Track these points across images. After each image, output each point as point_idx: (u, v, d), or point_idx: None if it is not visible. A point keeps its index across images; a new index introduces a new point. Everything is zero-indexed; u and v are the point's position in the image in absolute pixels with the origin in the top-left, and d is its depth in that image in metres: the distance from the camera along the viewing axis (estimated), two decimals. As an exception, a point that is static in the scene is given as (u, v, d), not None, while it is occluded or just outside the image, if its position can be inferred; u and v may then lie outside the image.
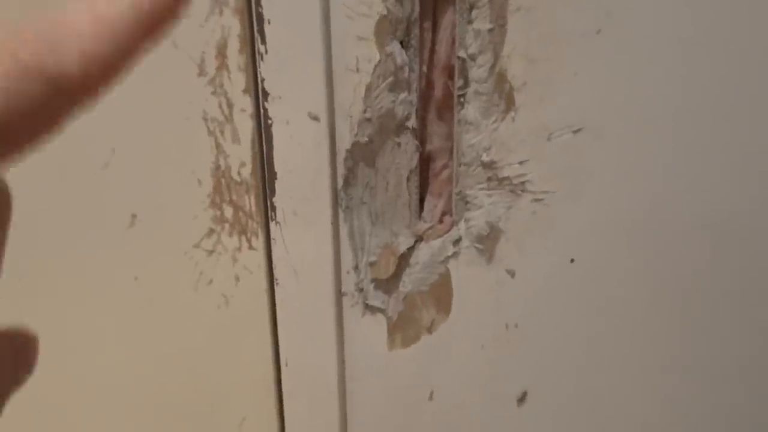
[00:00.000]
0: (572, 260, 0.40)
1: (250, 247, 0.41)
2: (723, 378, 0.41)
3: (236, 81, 0.37)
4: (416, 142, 0.40)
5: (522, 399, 0.43)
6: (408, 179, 0.40)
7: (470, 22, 0.36)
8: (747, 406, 0.41)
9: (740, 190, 0.37)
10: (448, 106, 0.40)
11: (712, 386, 0.41)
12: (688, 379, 0.41)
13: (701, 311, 0.39)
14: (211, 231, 0.41)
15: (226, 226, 0.41)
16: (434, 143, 0.41)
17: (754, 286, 0.38)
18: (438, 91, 0.39)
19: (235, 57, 0.37)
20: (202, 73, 0.37)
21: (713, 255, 0.38)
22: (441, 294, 0.42)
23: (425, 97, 0.40)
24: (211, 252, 0.42)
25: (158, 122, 0.39)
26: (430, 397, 0.44)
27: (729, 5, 0.34)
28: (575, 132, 0.37)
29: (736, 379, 0.40)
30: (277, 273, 0.42)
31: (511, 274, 0.41)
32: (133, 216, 0.41)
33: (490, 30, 0.36)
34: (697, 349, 0.40)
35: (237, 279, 0.42)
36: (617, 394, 0.42)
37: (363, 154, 0.40)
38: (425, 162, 0.41)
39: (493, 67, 0.36)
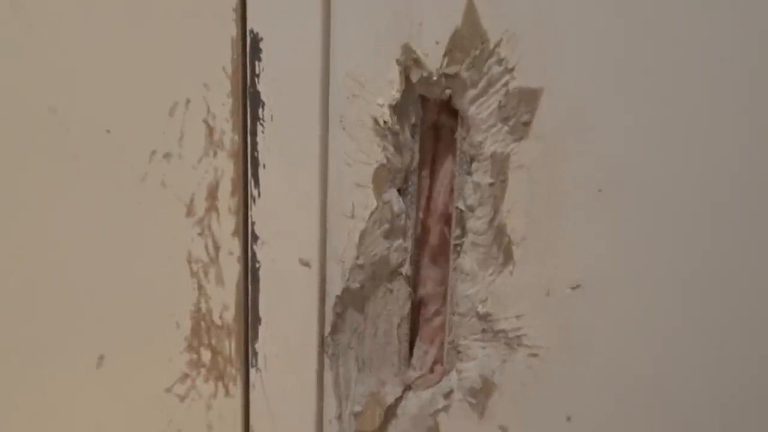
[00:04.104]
0: (568, 418, 0.38)
1: (227, 394, 0.38)
2: None
3: (225, 223, 0.36)
4: (409, 289, 0.38)
5: None
6: (399, 326, 0.38)
7: (470, 174, 0.36)
8: None
9: (757, 349, 0.36)
10: (443, 253, 0.38)
11: None
12: None
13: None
14: (186, 376, 0.38)
15: (203, 371, 0.38)
16: (427, 288, 0.39)
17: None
18: (434, 238, 0.38)
19: (227, 199, 0.35)
20: (190, 213, 0.36)
21: (721, 416, 0.36)
22: (431, 453, 0.39)
23: (420, 243, 0.38)
24: (183, 398, 0.39)
25: (138, 259, 0.37)
26: None
27: (728, 160, 0.34)
28: (573, 288, 0.36)
29: None
30: (253, 421, 0.39)
31: (504, 430, 0.38)
32: (101, 357, 0.38)
33: (491, 184, 0.35)
34: None
35: (209, 428, 0.39)
36: None
37: (353, 300, 0.38)
38: (417, 306, 0.39)
39: (492, 220, 0.36)
